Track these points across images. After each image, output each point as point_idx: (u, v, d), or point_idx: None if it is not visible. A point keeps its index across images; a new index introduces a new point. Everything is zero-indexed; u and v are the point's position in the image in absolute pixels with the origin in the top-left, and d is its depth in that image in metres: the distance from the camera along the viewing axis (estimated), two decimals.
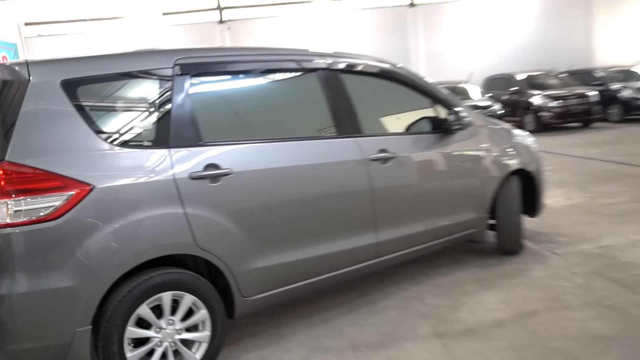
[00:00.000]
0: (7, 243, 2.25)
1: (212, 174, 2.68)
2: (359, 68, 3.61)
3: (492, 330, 3.07)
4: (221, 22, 19.62)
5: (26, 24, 17.59)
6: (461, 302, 3.50)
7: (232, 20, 19.75)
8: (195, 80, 2.84)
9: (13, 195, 2.24)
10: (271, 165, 2.92)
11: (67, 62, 2.63)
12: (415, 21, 20.32)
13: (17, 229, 2.25)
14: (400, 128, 3.82)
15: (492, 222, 4.18)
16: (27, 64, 2.48)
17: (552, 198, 6.10)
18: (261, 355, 3.01)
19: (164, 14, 10.80)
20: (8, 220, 2.23)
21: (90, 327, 2.40)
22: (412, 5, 20.35)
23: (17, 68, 2.48)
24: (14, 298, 2.26)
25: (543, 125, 13.71)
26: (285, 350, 3.05)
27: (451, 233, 3.88)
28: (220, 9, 19.28)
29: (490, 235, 4.27)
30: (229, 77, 3.11)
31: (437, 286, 3.81)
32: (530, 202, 4.47)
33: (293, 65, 3.29)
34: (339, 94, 3.32)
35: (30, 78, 2.42)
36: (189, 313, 2.67)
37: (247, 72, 3.15)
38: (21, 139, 2.33)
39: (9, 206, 2.24)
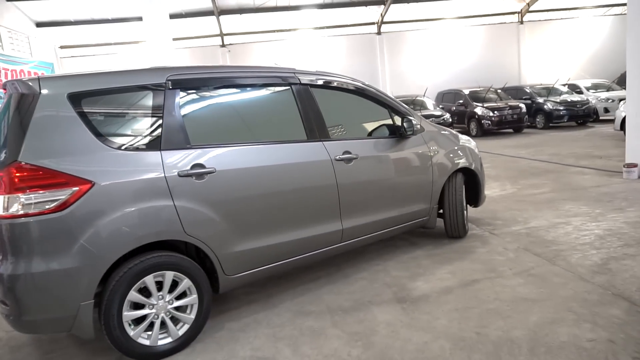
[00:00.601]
0: (21, 231, 2.23)
1: (198, 172, 2.65)
2: (331, 84, 3.56)
3: (442, 296, 3.09)
4: (222, 45, 19.45)
5: (61, 47, 17.20)
6: (418, 274, 3.52)
7: (232, 44, 19.60)
8: (184, 93, 2.80)
9: (26, 190, 2.22)
10: (249, 164, 2.87)
11: (73, 77, 2.58)
12: (382, 46, 20.36)
13: (29, 219, 2.22)
14: (363, 134, 3.80)
15: (440, 211, 4.19)
16: (38, 79, 2.44)
17: (490, 189, 6.18)
18: (255, 319, 3.00)
19: (174, 39, 10.62)
20: (21, 212, 2.21)
21: (93, 301, 2.37)
22: (379, 33, 20.37)
23: (30, 83, 2.43)
24: (27, 277, 2.23)
25: (484, 131, 13.86)
26: (274, 314, 3.04)
27: (406, 221, 3.86)
28: (222, 35, 19.10)
29: (440, 222, 4.30)
30: (213, 90, 3.03)
31: (399, 261, 3.83)
32: (474, 194, 4.49)
33: (268, 80, 3.24)
34: (310, 105, 3.29)
35: (41, 91, 2.39)
36: (176, 286, 2.62)
37: (228, 86, 3.08)
38: (32, 142, 2.30)
39: (22, 199, 2.21)
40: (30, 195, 2.21)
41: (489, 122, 13.68)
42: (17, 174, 2.22)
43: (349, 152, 3.35)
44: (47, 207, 2.23)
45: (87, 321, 2.36)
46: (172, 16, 11.36)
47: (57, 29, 15.87)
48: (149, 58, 9.91)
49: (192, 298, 2.67)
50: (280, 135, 3.19)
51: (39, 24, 15.25)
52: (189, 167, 2.63)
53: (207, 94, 3.02)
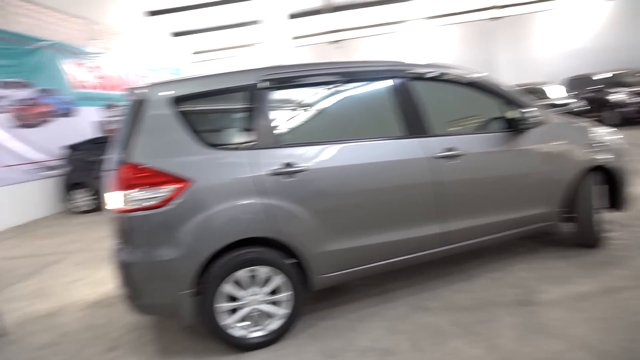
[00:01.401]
0: (133, 223, 2.46)
1: (289, 170, 2.65)
2: (438, 76, 3.25)
3: (576, 302, 2.78)
4: (334, 42, 19.77)
5: (194, 53, 18.98)
6: (547, 277, 3.21)
7: (343, 40, 19.81)
8: (276, 92, 2.80)
9: (136, 188, 2.44)
10: (341, 163, 2.80)
11: (176, 82, 2.75)
12: (497, 32, 18.91)
13: (138, 213, 2.44)
14: (473, 128, 3.41)
15: (571, 215, 3.56)
16: (147, 86, 2.63)
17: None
18: (372, 311, 2.99)
19: (293, 38, 11.05)
20: (133, 207, 2.44)
21: (191, 290, 2.52)
22: (495, 18, 18.96)
23: (141, 90, 2.63)
24: (139, 265, 2.48)
25: (624, 120, 12.12)
26: (391, 307, 3.01)
27: (522, 225, 3.38)
28: (332, 32, 19.43)
29: (570, 227, 3.73)
30: (306, 88, 2.99)
31: (525, 262, 3.52)
32: (616, 195, 3.74)
33: (364, 75, 3.09)
34: (410, 100, 3.06)
35: (149, 97, 2.58)
36: (270, 281, 2.69)
37: (322, 83, 3.00)
38: (142, 144, 2.51)
39: (133, 196, 2.44)
40: (139, 192, 2.44)
41: (631, 109, 11.92)
42: (129, 173, 2.46)
43: (453, 149, 3.06)
44: (152, 203, 2.45)
45: (186, 309, 2.54)
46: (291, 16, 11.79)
47: (190, 37, 17.55)
48: (268, 58, 10.46)
49: (287, 295, 2.71)
50: (375, 132, 3.04)
51: (175, 34, 17.00)
52: (280, 166, 2.65)
53: (299, 92, 3.00)
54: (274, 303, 2.71)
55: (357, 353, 2.53)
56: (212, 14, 15.23)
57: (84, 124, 10.41)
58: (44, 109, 9.35)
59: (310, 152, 2.76)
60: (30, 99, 9.02)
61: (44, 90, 9.37)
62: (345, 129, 3.02)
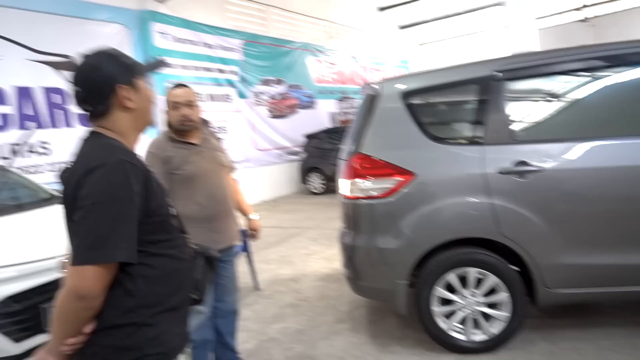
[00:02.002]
0: (359, 210, 2.60)
1: (522, 170, 2.39)
2: None
3: None
4: (583, 20, 16.91)
5: (420, 45, 19.15)
6: None
7: (596, 17, 16.74)
8: (512, 84, 2.57)
9: (363, 177, 2.55)
10: (586, 165, 2.37)
11: (406, 77, 2.78)
12: None
13: (363, 201, 2.56)
14: None
15: None
16: (381, 82, 2.70)
17: None
18: (631, 343, 2.49)
19: (537, 18, 9.88)
20: (359, 195, 2.56)
21: (407, 282, 2.53)
22: None
23: (376, 85, 2.73)
24: (361, 249, 2.61)
25: None
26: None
27: None
28: (583, 7, 16.61)
29: None
30: (547, 78, 2.64)
31: None
32: None
33: (625, 59, 2.51)
34: None
35: (382, 92, 2.64)
36: (491, 291, 2.51)
37: (565, 72, 2.58)
38: (372, 136, 2.61)
39: (360, 185, 2.56)
40: (367, 182, 2.56)
41: None
42: (359, 163, 2.60)
43: None
44: (377, 193, 2.54)
45: (401, 298, 2.58)
46: None
47: (416, 28, 17.74)
48: (501, 44, 9.64)
49: (505, 305, 2.50)
50: (632, 129, 2.46)
51: (402, 27, 17.42)
52: (512, 164, 2.42)
53: (539, 83, 2.70)
54: (491, 307, 2.57)
55: None
56: (441, 3, 14.99)
57: (321, 115, 11.74)
58: (291, 102, 10.92)
59: (550, 150, 2.46)
60: (282, 93, 10.64)
61: (292, 86, 10.92)
62: (594, 125, 2.59)
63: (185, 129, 2.23)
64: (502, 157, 2.46)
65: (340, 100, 12.30)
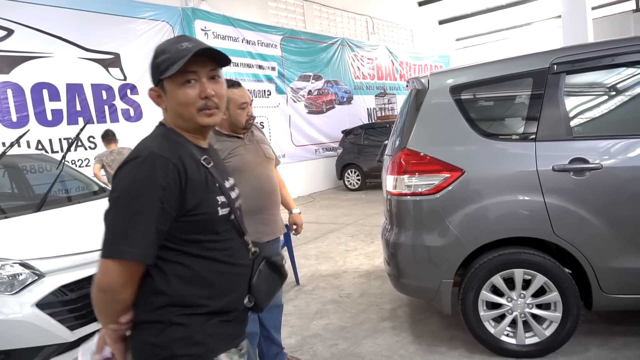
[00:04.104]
0: (403, 207, 2.52)
1: (577, 167, 2.24)
2: None
3: None
4: (636, 10, 15.95)
5: (457, 39, 18.65)
6: None
7: None
8: (569, 78, 2.40)
9: (409, 173, 2.46)
10: None
11: (455, 71, 2.64)
12: None
13: (409, 198, 2.48)
14: None
15: None
16: (427, 76, 2.59)
17: None
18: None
19: (593, 8, 9.34)
20: (404, 191, 2.48)
21: (452, 281, 2.45)
22: None
23: (422, 80, 2.62)
24: (404, 246, 2.52)
25: None
26: None
27: None
28: None
29: None
30: (603, 72, 2.46)
31: None
32: None
33: None
34: None
35: (429, 86, 2.54)
36: (541, 292, 2.37)
37: (624, 65, 2.40)
38: (419, 132, 2.51)
39: (406, 181, 2.47)
40: (412, 178, 2.47)
41: None
42: (404, 159, 2.50)
43: None
44: (423, 189, 2.45)
45: (446, 297, 2.49)
46: None
47: (455, 23, 17.27)
48: (546, 38, 9.19)
49: (554, 295, 2.35)
50: None
51: (441, 22, 17.00)
52: (567, 162, 2.27)
53: (597, 76, 2.53)
54: (539, 309, 2.43)
55: None
56: None
57: (359, 111, 11.63)
58: (328, 98, 10.85)
59: (610, 147, 2.30)
60: (319, 89, 10.58)
61: (329, 82, 10.85)
62: None
63: (248, 127, 2.24)
64: (557, 154, 2.33)
65: (379, 96, 12.16)
